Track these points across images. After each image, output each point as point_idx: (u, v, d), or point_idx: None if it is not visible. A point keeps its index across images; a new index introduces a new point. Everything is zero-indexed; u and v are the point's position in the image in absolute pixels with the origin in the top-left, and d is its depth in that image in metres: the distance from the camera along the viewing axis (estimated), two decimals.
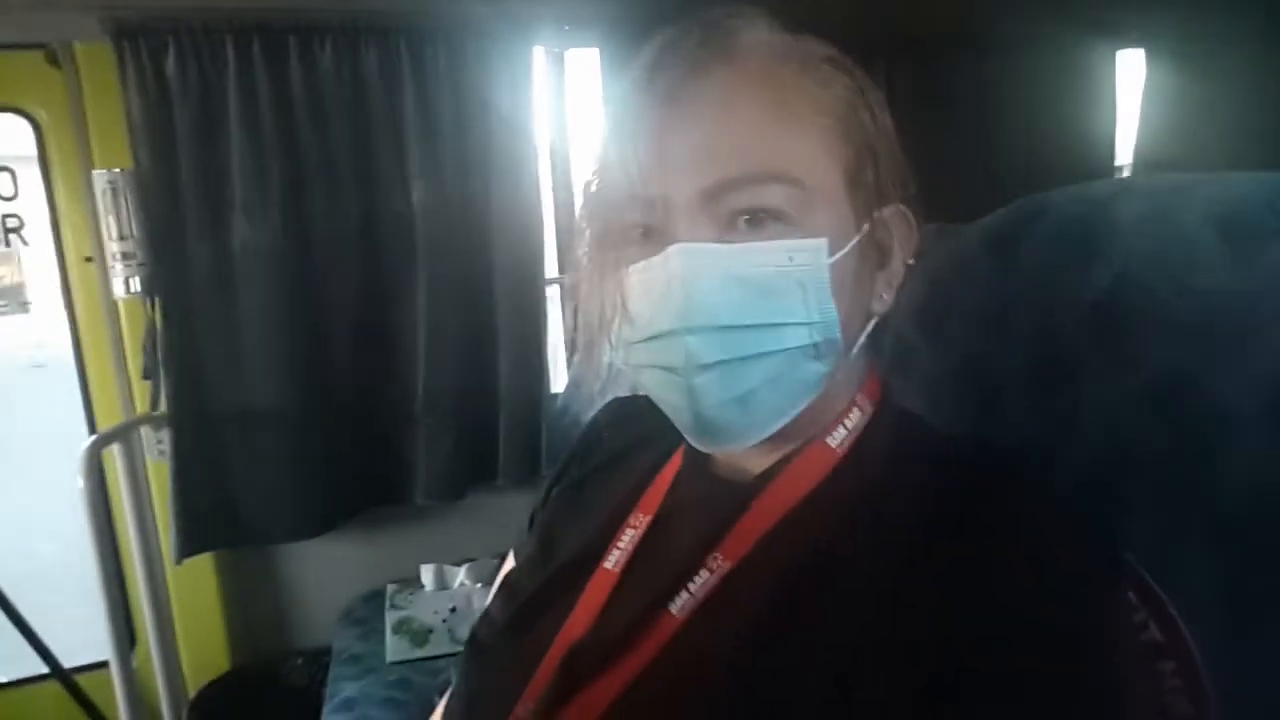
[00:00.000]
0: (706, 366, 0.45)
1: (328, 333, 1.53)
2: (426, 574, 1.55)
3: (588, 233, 0.50)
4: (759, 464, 0.51)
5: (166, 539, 1.49)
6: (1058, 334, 0.55)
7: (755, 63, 0.46)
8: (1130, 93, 2.19)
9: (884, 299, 0.51)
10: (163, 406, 1.44)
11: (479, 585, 1.52)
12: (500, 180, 1.56)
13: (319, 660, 1.60)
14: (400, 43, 1.48)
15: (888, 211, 0.49)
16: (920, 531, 0.42)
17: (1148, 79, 2.16)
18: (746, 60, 0.46)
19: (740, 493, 0.50)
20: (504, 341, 1.62)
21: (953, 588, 0.39)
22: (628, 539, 0.54)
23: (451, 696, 0.60)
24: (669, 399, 0.49)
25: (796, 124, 0.45)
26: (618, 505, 0.58)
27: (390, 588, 1.56)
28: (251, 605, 1.65)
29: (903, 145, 0.51)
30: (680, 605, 0.47)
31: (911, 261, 0.51)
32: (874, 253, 0.49)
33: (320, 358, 1.52)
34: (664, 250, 0.45)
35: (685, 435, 0.51)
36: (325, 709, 1.35)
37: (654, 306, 0.46)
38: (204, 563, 1.55)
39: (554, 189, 1.75)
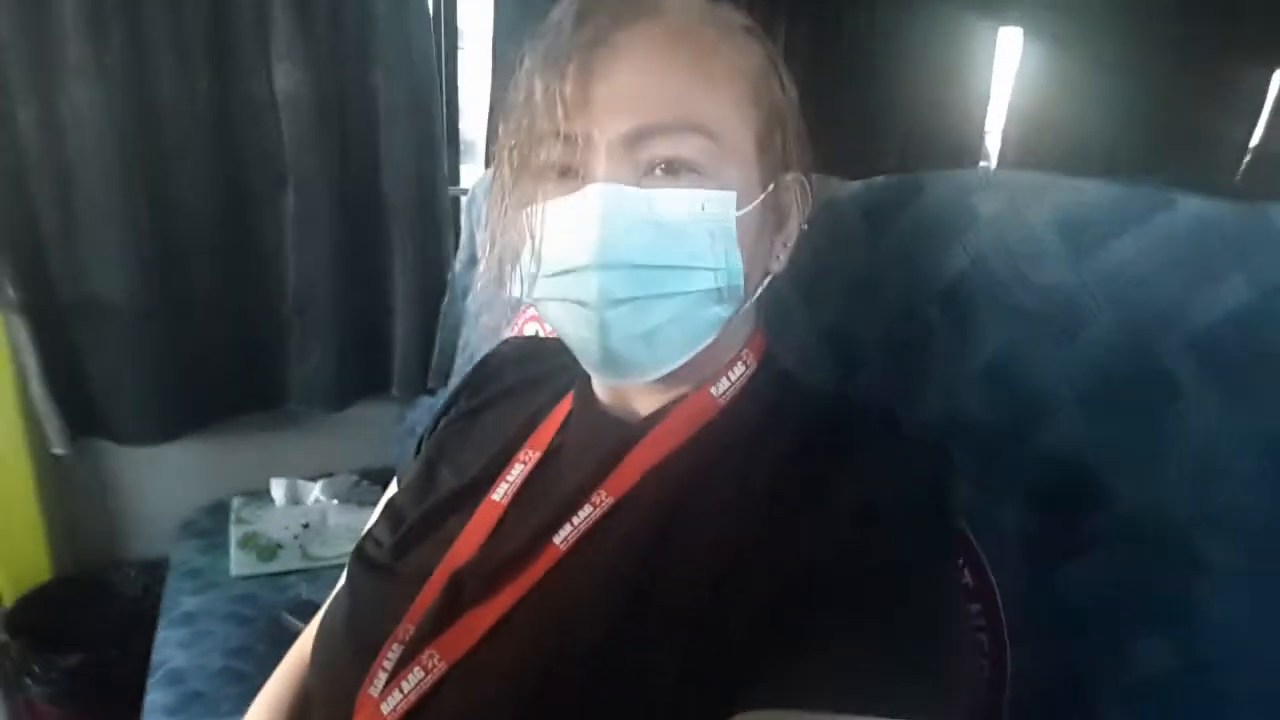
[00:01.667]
0: (618, 302, 0.47)
1: (181, 222, 1.38)
2: (277, 488, 1.49)
3: (504, 166, 0.50)
4: (647, 406, 0.54)
5: None
6: (915, 309, 0.59)
7: (678, 21, 0.48)
8: (1005, 69, 2.33)
9: (779, 259, 0.55)
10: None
11: (334, 502, 1.48)
12: (390, 74, 1.45)
13: (153, 572, 1.52)
14: None
15: (789, 177, 0.53)
16: (783, 472, 0.46)
17: (1022, 58, 2.31)
18: (670, 18, 0.48)
19: (627, 433, 0.53)
20: (397, 249, 1.54)
21: (807, 520, 0.43)
22: (516, 473, 0.56)
23: (333, 604, 0.61)
24: (578, 332, 0.50)
25: (714, 84, 0.47)
26: (508, 440, 0.59)
27: (236, 500, 1.49)
28: (77, 510, 1.53)
29: (801, 92, 0.53)
30: (564, 536, 0.50)
31: (805, 226, 0.55)
32: (774, 214, 0.53)
33: (173, 248, 1.38)
34: (582, 189, 0.46)
35: (590, 368, 0.53)
36: (161, 622, 1.29)
37: (568, 242, 0.47)
38: (19, 465, 1.41)
39: (447, 92, 1.65)
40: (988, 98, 2.30)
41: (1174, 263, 0.44)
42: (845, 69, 2.03)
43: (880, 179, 0.67)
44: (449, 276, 1.63)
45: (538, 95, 0.46)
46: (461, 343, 1.65)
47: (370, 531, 0.63)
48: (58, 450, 1.38)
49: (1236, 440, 0.41)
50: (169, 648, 1.21)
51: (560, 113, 0.45)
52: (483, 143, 1.97)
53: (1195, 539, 0.44)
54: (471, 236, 1.68)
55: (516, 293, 0.51)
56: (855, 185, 0.68)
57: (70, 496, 1.52)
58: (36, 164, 1.28)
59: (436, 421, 0.69)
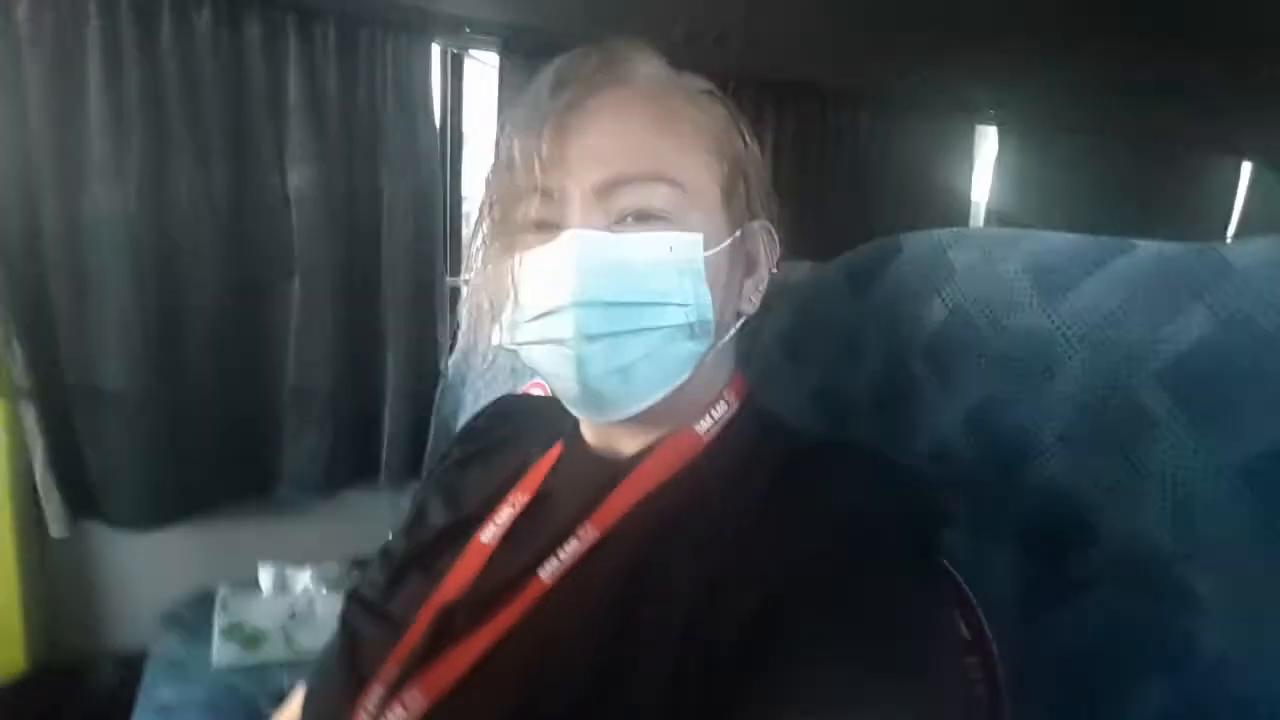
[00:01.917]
0: (593, 338, 0.49)
1: (188, 312, 1.43)
2: (265, 575, 1.46)
3: (485, 224, 0.54)
4: (632, 446, 0.55)
5: None
6: (900, 363, 0.61)
7: (645, 87, 0.53)
8: (984, 167, 2.44)
9: (751, 301, 0.58)
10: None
11: (324, 591, 1.45)
12: (394, 173, 1.53)
13: (131, 666, 1.47)
14: (288, 15, 1.42)
15: (755, 225, 0.57)
16: (767, 502, 0.47)
17: (999, 154, 2.42)
18: (638, 85, 0.53)
19: (613, 470, 0.54)
20: (392, 338, 1.58)
21: (791, 548, 0.44)
22: (505, 516, 0.57)
23: (329, 646, 0.61)
24: (557, 370, 0.52)
25: (680, 139, 0.52)
26: (498, 484, 0.61)
27: (222, 589, 1.45)
28: (58, 599, 1.50)
29: (788, 187, 0.57)
30: (549, 571, 0.50)
31: (775, 271, 0.58)
32: (742, 259, 0.56)
33: (177, 337, 1.43)
34: (558, 236, 0.50)
35: (570, 405, 0.55)
36: (135, 714, 1.24)
37: (546, 286, 0.50)
38: (4, 546, 1.39)
39: (449, 189, 1.73)
40: (969, 189, 2.40)
41: (1138, 300, 0.46)
42: (830, 165, 2.13)
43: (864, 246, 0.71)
44: (443, 365, 1.66)
45: (516, 154, 0.50)
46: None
47: (364, 575, 0.63)
48: (56, 533, 1.36)
49: (1211, 470, 0.42)
50: None
51: (538, 169, 0.49)
52: None
53: (1183, 573, 0.44)
54: (471, 325, 1.72)
55: (498, 340, 0.54)
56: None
57: (53, 585, 1.48)
58: (56, 260, 1.33)
59: (430, 469, 0.70)
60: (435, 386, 1.63)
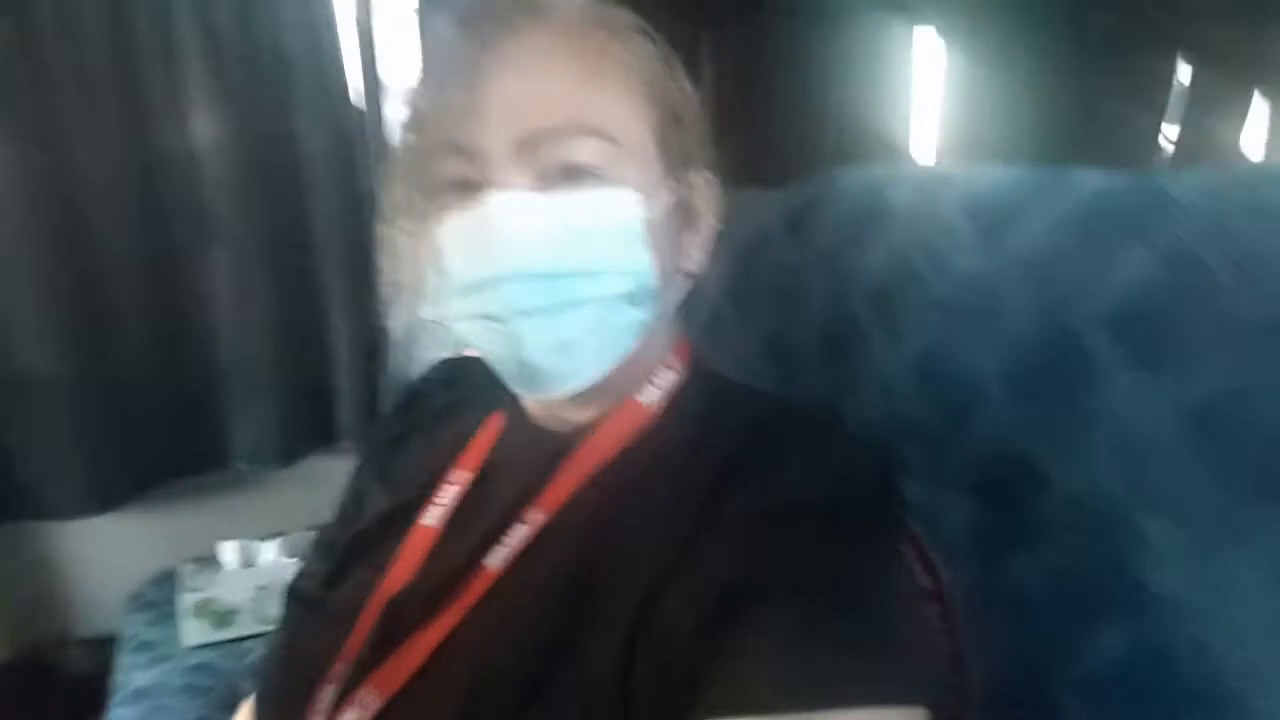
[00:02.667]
0: (527, 313, 0.45)
1: (105, 285, 1.34)
2: (228, 551, 1.43)
3: (398, 184, 0.49)
4: (576, 416, 0.52)
5: None
6: (845, 309, 0.59)
7: (567, 23, 0.47)
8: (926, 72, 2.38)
9: (695, 259, 0.53)
10: None
11: (294, 561, 1.43)
12: (309, 118, 1.43)
13: (102, 650, 1.45)
14: None
15: (694, 175, 0.52)
16: (721, 475, 0.45)
17: (937, 57, 2.37)
18: (558, 20, 0.47)
19: (558, 447, 0.51)
20: (333, 295, 1.51)
21: (748, 522, 0.42)
22: (447, 496, 0.54)
23: (271, 648, 0.58)
24: (492, 349, 0.49)
25: (607, 84, 0.47)
26: (437, 462, 0.57)
27: (185, 568, 1.42)
28: (21, 590, 1.46)
29: (727, 114, 0.52)
30: (497, 559, 0.48)
31: (719, 224, 0.54)
32: (682, 213, 0.51)
33: (97, 312, 1.34)
34: (480, 200, 0.45)
35: (509, 384, 0.51)
36: (112, 701, 1.22)
37: (472, 256, 0.46)
38: None
39: (373, 133, 1.63)
40: (909, 99, 2.35)
41: (1078, 238, 0.44)
42: (768, 75, 2.05)
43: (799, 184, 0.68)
44: (389, 320, 1.60)
45: (426, 109, 0.45)
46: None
47: (302, 568, 0.61)
48: None
49: (1158, 413, 0.41)
50: None
51: (450, 124, 0.45)
52: None
53: (1135, 518, 0.44)
54: (391, 298, 1.65)
55: (426, 314, 0.50)
56: (768, 195, 0.68)
57: (9, 578, 1.45)
58: None
59: (367, 449, 0.66)
60: (384, 340, 1.59)
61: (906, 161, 2.43)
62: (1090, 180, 0.44)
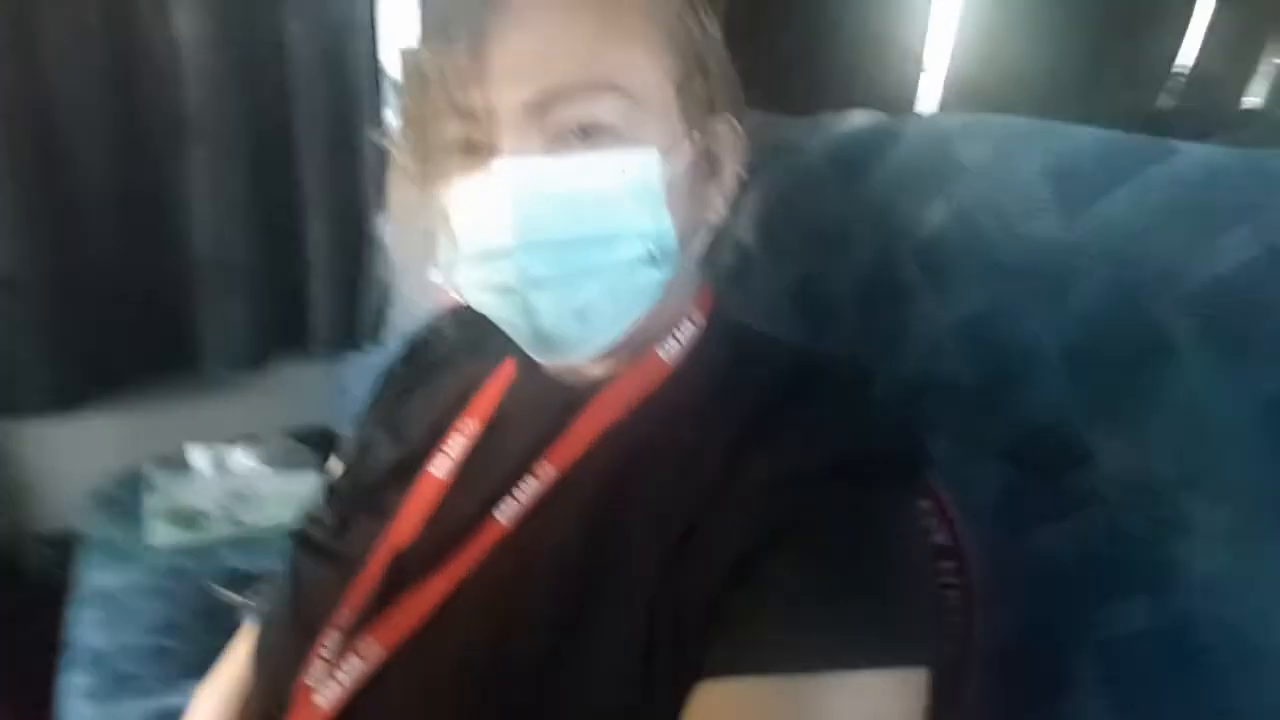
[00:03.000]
0: (541, 282, 0.43)
1: (73, 177, 1.26)
2: (198, 455, 1.40)
3: (405, 145, 0.46)
4: (592, 371, 0.50)
5: None
6: (891, 262, 0.57)
7: None
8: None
9: (717, 209, 0.51)
10: None
11: (268, 468, 1.40)
12: (299, 13, 1.33)
13: (61, 548, 1.42)
14: None
15: (718, 122, 0.49)
16: (740, 433, 0.43)
17: None
18: None
19: (571, 399, 0.49)
20: (313, 201, 1.44)
21: (765, 481, 0.41)
22: (455, 446, 0.53)
23: (276, 592, 0.58)
24: (506, 317, 0.47)
25: (625, 35, 0.44)
26: (446, 409, 0.56)
27: (149, 469, 1.39)
28: None
29: (742, 42, 0.49)
30: (507, 513, 0.47)
31: (742, 172, 0.51)
32: (705, 163, 0.49)
33: (64, 206, 1.26)
34: (489, 165, 0.42)
35: (524, 348, 0.49)
36: (74, 600, 1.20)
37: (482, 225, 0.44)
38: None
39: (370, 31, 1.53)
40: (925, 30, 2.29)
41: (1174, 216, 0.42)
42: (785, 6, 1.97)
43: (855, 122, 0.64)
44: (367, 227, 1.54)
45: (431, 67, 0.42)
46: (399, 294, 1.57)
47: (309, 513, 0.59)
48: None
49: (1230, 401, 0.41)
50: (84, 627, 1.13)
51: (456, 85, 0.42)
52: None
53: (1179, 499, 0.44)
54: (401, 264, 1.58)
55: (437, 280, 0.48)
56: (820, 129, 0.65)
57: None
58: None
59: (374, 397, 0.65)
60: (365, 248, 1.53)
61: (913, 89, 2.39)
62: (1196, 154, 0.42)
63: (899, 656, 0.36)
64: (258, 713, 0.53)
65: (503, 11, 0.41)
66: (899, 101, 2.15)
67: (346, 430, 1.61)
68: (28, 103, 1.20)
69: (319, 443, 1.53)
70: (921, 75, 2.28)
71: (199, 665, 1.07)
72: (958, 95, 2.32)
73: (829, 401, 0.46)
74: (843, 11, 2.04)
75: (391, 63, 1.74)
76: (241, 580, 1.26)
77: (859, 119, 0.88)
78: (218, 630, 1.17)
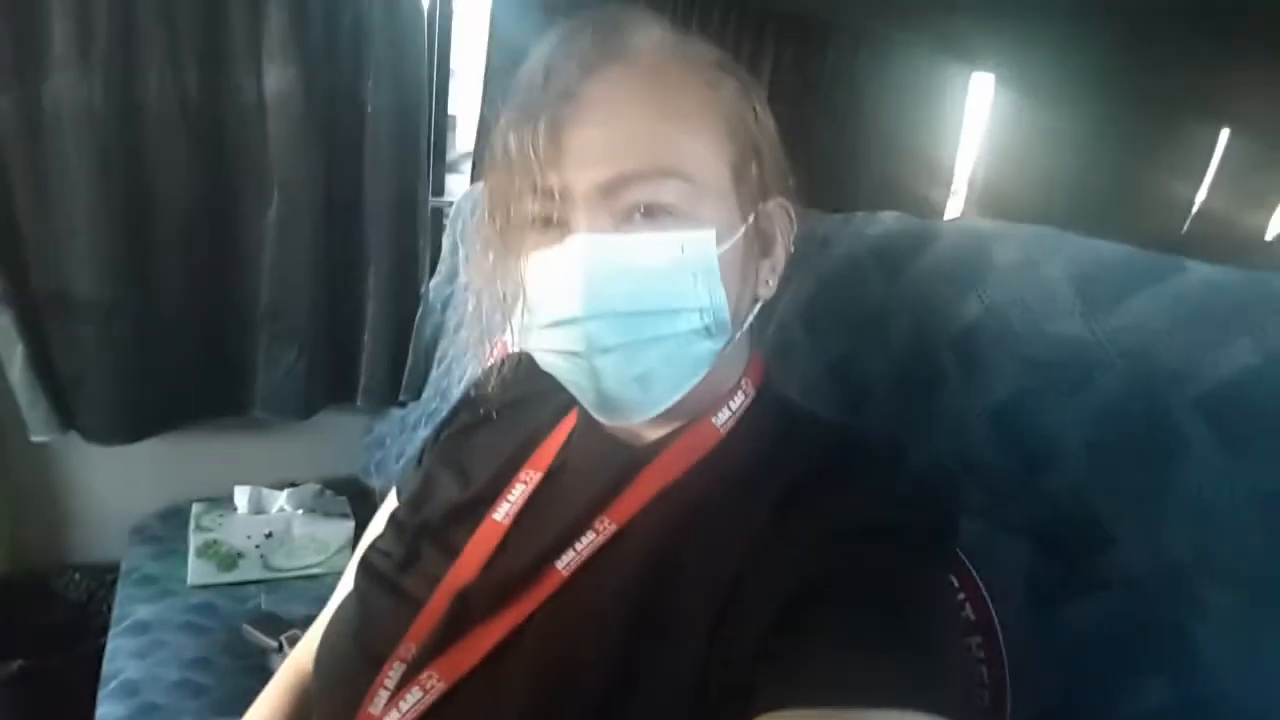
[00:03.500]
0: (607, 349, 0.48)
1: (157, 220, 1.35)
2: (240, 496, 1.44)
3: (487, 221, 0.52)
4: (650, 434, 0.55)
5: None
6: (927, 349, 0.62)
7: (647, 63, 0.49)
8: (975, 114, 2.42)
9: (769, 284, 0.56)
10: None
11: (299, 512, 1.44)
12: (379, 81, 1.44)
13: (98, 577, 1.46)
14: None
15: (770, 204, 0.54)
16: (786, 497, 0.47)
17: (995, 102, 2.41)
18: (639, 60, 0.49)
19: (630, 459, 0.53)
20: (374, 258, 1.52)
21: (810, 540, 0.44)
22: (518, 493, 0.57)
23: (339, 614, 0.61)
24: (573, 380, 0.52)
25: (687, 123, 0.49)
26: (509, 457, 0.60)
27: (196, 507, 1.43)
28: (23, 508, 1.46)
29: (783, 129, 0.55)
30: (567, 562, 0.50)
31: (792, 250, 0.56)
32: (758, 242, 0.54)
33: (147, 246, 1.35)
34: (564, 240, 0.48)
35: (588, 409, 0.54)
36: (113, 631, 1.23)
37: (556, 294, 0.48)
38: None
39: (434, 102, 1.64)
40: (958, 139, 2.39)
41: (1185, 323, 0.47)
42: (825, 102, 2.09)
43: (886, 222, 0.70)
44: (423, 289, 1.62)
45: (513, 152, 0.47)
46: (439, 355, 1.64)
47: (375, 543, 0.63)
48: (38, 438, 1.32)
49: (1237, 493, 0.44)
50: (122, 658, 1.17)
51: (535, 168, 0.47)
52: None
53: (1195, 584, 0.47)
54: (454, 248, 1.67)
55: (510, 343, 0.53)
56: (854, 225, 0.71)
57: (18, 493, 1.45)
58: (14, 153, 1.25)
59: (437, 436, 0.69)
60: (416, 309, 1.61)
61: (941, 200, 2.48)
62: (1203, 270, 0.47)
63: (933, 702, 0.38)
64: None
65: (578, 103, 0.46)
66: (926, 208, 2.24)
67: (375, 482, 1.66)
68: (123, 144, 1.30)
69: (350, 492, 1.58)
70: (949, 188, 2.39)
71: (228, 704, 1.11)
72: (980, 210, 2.41)
73: (867, 472, 0.50)
74: (877, 120, 2.15)
75: (454, 130, 1.87)
76: (270, 622, 1.29)
77: (890, 219, 0.95)
78: (247, 670, 1.20)
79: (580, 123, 0.46)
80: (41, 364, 1.31)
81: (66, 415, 1.36)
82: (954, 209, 2.46)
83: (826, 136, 1.99)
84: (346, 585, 0.65)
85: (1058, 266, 0.54)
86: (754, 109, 0.52)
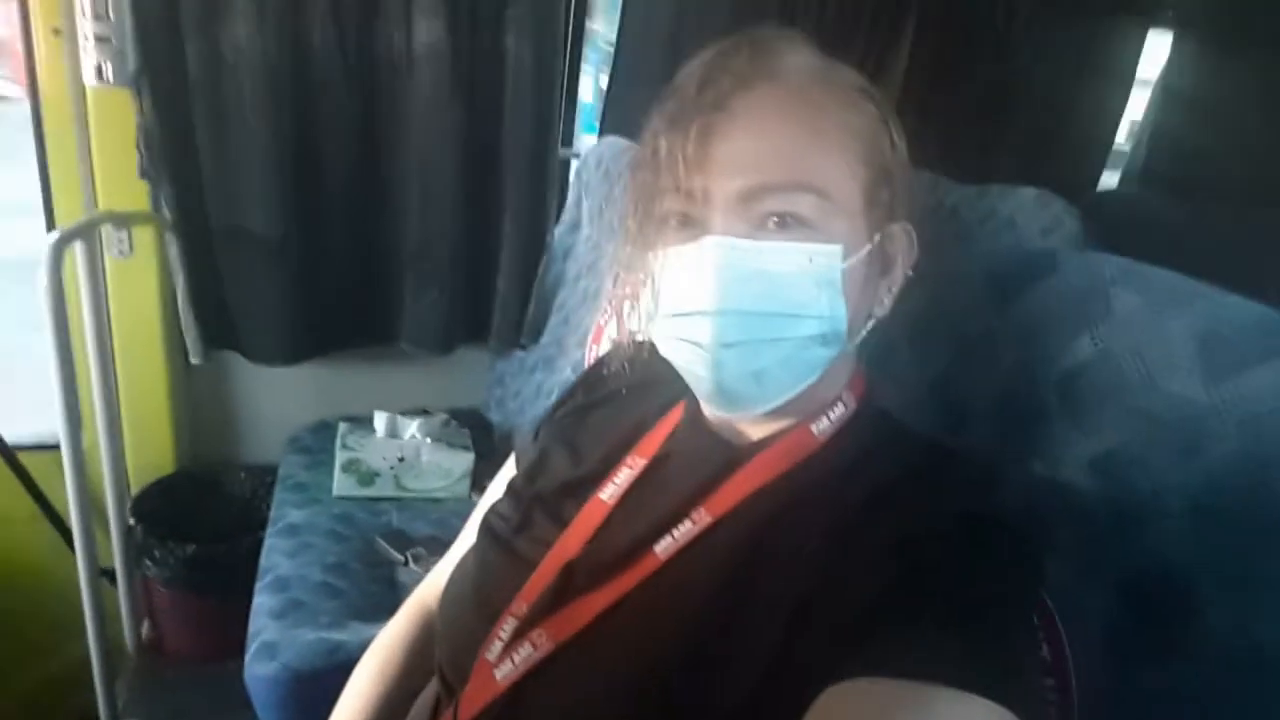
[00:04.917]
0: (729, 344, 0.52)
1: (320, 162, 1.48)
2: (379, 420, 1.59)
3: (630, 215, 0.55)
4: (752, 434, 0.58)
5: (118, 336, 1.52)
6: (1032, 382, 0.60)
7: (795, 83, 0.52)
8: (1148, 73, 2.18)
9: (884, 303, 0.58)
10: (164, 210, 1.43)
11: (427, 440, 1.58)
12: (519, 35, 1.49)
13: (261, 477, 1.67)
14: None
15: (895, 227, 0.56)
16: (875, 498, 0.50)
17: (1170, 61, 2.15)
18: (787, 80, 0.52)
19: (731, 457, 0.57)
20: (509, 205, 1.61)
21: (896, 544, 0.46)
22: (623, 477, 0.62)
23: (461, 567, 0.68)
24: (693, 369, 0.55)
25: (826, 144, 0.52)
26: (618, 442, 0.65)
27: (342, 426, 1.60)
28: (199, 414, 1.69)
29: (920, 96, 0.55)
30: (664, 547, 0.55)
31: (911, 273, 0.58)
32: (880, 262, 0.56)
33: (311, 186, 1.48)
34: (700, 240, 0.51)
35: (702, 400, 0.58)
36: (270, 530, 1.42)
37: (686, 287, 0.52)
38: (155, 368, 1.56)
39: (569, 56, 1.67)
40: (1124, 101, 2.16)
41: None
42: (973, 58, 1.93)
43: (1021, 199, 0.68)
44: (548, 238, 1.69)
45: (662, 153, 0.51)
46: (558, 303, 1.71)
47: (495, 506, 0.70)
48: (194, 360, 1.52)
49: None
50: (276, 555, 1.34)
51: (681, 169, 0.50)
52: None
53: None
54: (578, 200, 1.72)
55: (636, 328, 0.57)
56: (998, 204, 0.69)
57: (195, 402, 1.67)
58: (199, 96, 1.39)
59: (553, 413, 0.74)
60: (541, 257, 1.68)
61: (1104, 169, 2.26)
62: None
63: (1006, 695, 0.38)
64: (438, 673, 0.64)
65: (728, 114, 0.50)
66: (1075, 181, 2.03)
67: (494, 416, 1.77)
68: (291, 90, 1.42)
69: (471, 424, 1.71)
70: (1105, 160, 2.17)
71: (360, 609, 1.25)
72: (1142, 183, 2.18)
73: (961, 486, 0.51)
74: (1034, 74, 1.97)
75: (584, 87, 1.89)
76: (398, 536, 1.44)
77: (1028, 197, 0.90)
78: (377, 580, 1.35)
79: (729, 133, 0.50)
80: (202, 292, 1.49)
81: (231, 339, 1.54)
82: (1108, 181, 2.24)
83: (979, 96, 1.85)
84: (466, 539, 0.73)
85: (1181, 321, 0.51)
86: (890, 135, 0.55)
